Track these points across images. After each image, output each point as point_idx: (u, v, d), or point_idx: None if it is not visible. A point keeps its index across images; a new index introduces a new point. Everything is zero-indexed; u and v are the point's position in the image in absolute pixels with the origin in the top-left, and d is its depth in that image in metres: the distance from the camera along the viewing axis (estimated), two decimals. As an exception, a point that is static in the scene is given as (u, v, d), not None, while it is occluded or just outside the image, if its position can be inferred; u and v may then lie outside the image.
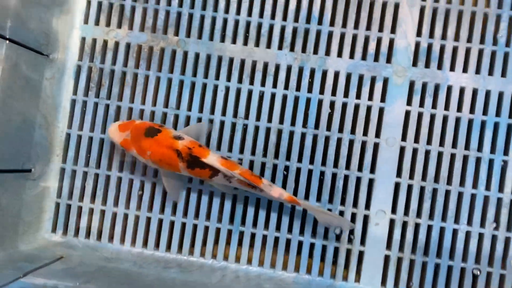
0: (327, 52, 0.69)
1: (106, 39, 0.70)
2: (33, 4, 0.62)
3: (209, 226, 0.68)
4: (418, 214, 0.66)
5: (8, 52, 0.57)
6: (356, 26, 0.68)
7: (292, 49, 0.69)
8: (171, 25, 0.70)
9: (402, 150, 0.67)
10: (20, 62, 0.60)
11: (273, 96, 0.69)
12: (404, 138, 0.67)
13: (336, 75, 0.68)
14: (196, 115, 0.69)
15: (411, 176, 0.67)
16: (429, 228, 0.66)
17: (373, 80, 0.68)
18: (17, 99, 0.61)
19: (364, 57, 0.68)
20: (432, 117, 0.67)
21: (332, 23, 0.69)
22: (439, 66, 0.67)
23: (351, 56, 0.68)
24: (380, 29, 0.68)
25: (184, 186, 0.68)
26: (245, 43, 0.70)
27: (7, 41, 0.57)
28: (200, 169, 0.61)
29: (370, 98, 0.68)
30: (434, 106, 0.67)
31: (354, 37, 0.68)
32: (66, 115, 0.70)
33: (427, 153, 0.67)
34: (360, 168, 0.67)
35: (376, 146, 0.67)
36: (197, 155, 0.61)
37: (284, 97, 0.69)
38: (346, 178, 0.67)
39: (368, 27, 0.68)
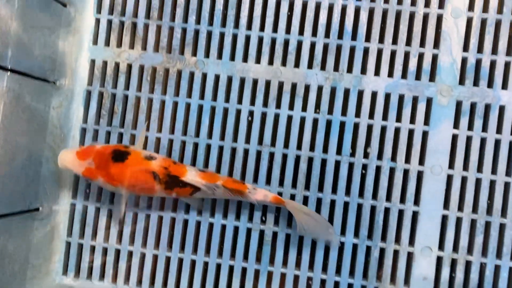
0: (363, 71, 0.62)
1: (118, 61, 0.64)
2: (36, 28, 0.55)
3: (233, 266, 0.62)
4: (469, 251, 0.59)
5: (10, 84, 0.51)
6: (394, 41, 0.61)
7: (323, 67, 0.62)
8: (188, 45, 0.63)
9: (449, 179, 0.60)
10: (23, 93, 0.54)
11: (302, 120, 0.62)
12: (451, 165, 0.60)
13: (374, 95, 0.61)
14: (217, 143, 0.63)
15: (460, 208, 0.60)
16: (482, 266, 0.59)
17: (415, 100, 0.61)
18: (22, 134, 0.55)
19: (404, 76, 0.61)
20: (483, 141, 0.60)
21: (367, 38, 0.62)
22: (490, 84, 0.60)
23: (390, 74, 0.61)
24: (422, 44, 0.61)
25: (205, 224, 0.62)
26: (271, 62, 0.63)
27: (9, 72, 0.51)
28: (180, 188, 0.57)
29: (412, 120, 0.61)
30: (484, 129, 0.60)
31: (393, 53, 0.61)
32: (75, 146, 0.64)
33: (478, 182, 0.59)
34: (402, 200, 0.60)
35: (420, 175, 0.60)
36: (176, 174, 0.56)
37: (315, 121, 0.62)
38: (386, 211, 0.60)
39: (408, 42, 0.61)
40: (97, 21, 0.64)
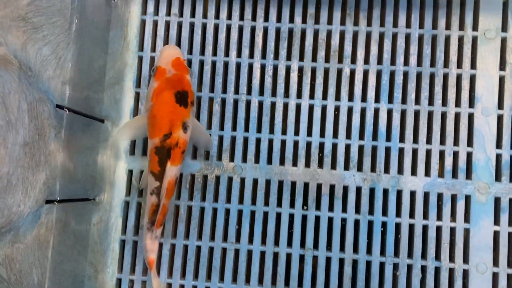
0: (400, 171, 0.63)
1: (155, 171, 0.64)
2: (79, 152, 0.56)
3: None
4: None
5: (58, 215, 0.51)
6: (428, 140, 0.63)
7: (360, 169, 0.63)
8: (225, 151, 0.64)
9: (495, 276, 0.60)
10: (69, 220, 0.54)
11: (343, 221, 0.62)
12: (495, 262, 0.60)
13: (412, 195, 0.62)
14: (259, 248, 0.62)
15: (509, 306, 0.59)
16: None
17: (453, 198, 0.62)
18: (67, 261, 0.54)
19: (441, 174, 0.62)
20: (525, 236, 0.60)
21: (401, 139, 0.63)
22: (526, 180, 0.61)
23: (427, 173, 0.62)
24: (456, 143, 0.62)
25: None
26: (307, 165, 0.64)
27: (57, 203, 0.51)
28: (159, 166, 0.57)
29: (453, 219, 0.61)
30: (525, 224, 0.61)
31: (428, 153, 0.63)
32: (115, 258, 0.63)
33: (524, 278, 0.60)
34: (450, 301, 0.60)
35: (465, 274, 0.60)
36: (171, 154, 0.56)
37: (356, 222, 0.62)
38: (435, 312, 0.60)
39: (442, 141, 0.63)
40: (134, 131, 0.65)
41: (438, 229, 0.61)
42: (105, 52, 0.61)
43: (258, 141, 0.65)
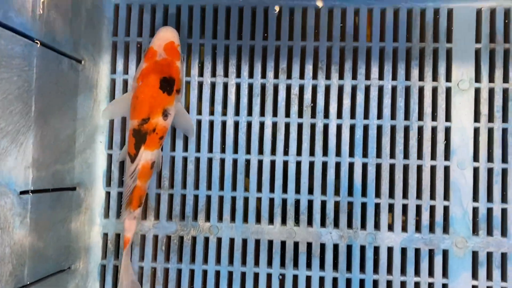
0: (376, 226, 0.62)
1: (131, 233, 0.64)
2: (48, 229, 0.55)
3: None
4: None
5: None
6: (405, 195, 0.62)
7: (336, 225, 0.63)
8: (200, 211, 0.64)
9: (474, 331, 0.60)
10: (42, 298, 0.53)
11: (321, 280, 0.62)
12: (475, 317, 0.60)
13: (390, 251, 0.62)
14: (238, 308, 0.62)
15: None
16: None
17: (431, 253, 0.61)
18: None
19: (418, 229, 0.62)
20: (503, 290, 0.60)
21: (377, 194, 0.63)
22: (503, 233, 0.61)
23: (404, 229, 0.62)
24: (432, 196, 0.62)
25: None
26: (284, 222, 0.63)
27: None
28: (135, 149, 0.57)
29: (431, 274, 0.61)
30: (503, 278, 0.60)
31: (405, 208, 0.62)
32: None
33: (504, 332, 0.59)
34: None
35: (444, 330, 0.60)
36: (147, 139, 0.57)
37: (335, 280, 0.62)
38: None
39: (419, 195, 0.62)
40: (107, 194, 0.64)
41: (417, 285, 0.61)
42: (73, 119, 0.60)
43: (233, 199, 0.64)
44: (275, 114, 0.64)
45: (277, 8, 0.64)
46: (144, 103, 0.57)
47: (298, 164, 0.63)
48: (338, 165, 0.63)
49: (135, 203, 0.59)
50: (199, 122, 0.65)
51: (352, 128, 0.63)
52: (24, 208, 0.49)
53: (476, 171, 0.62)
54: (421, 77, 0.63)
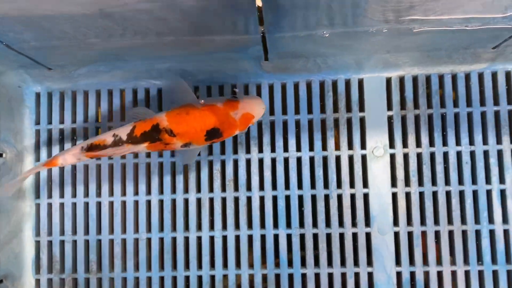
0: (304, 298, 0.63)
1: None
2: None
3: None
4: None
5: None
6: (329, 263, 0.63)
7: (265, 298, 0.63)
8: (129, 293, 0.64)
9: None
10: None
11: None
12: None
13: (318, 322, 0.62)
14: None
15: None
16: None
17: (358, 322, 0.62)
18: None
19: (344, 297, 0.62)
20: None
21: (303, 263, 0.63)
22: (428, 296, 0.61)
23: (330, 298, 0.62)
24: (356, 263, 0.63)
25: None
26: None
27: None
28: (139, 137, 0.55)
29: None
30: None
31: (330, 276, 0.63)
32: None
33: None
34: None
35: None
36: (152, 143, 0.55)
37: None
38: None
39: (343, 262, 0.63)
40: (37, 281, 0.64)
41: None
42: (-5, 212, 0.60)
43: (161, 279, 0.64)
44: (198, 190, 0.65)
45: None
46: (184, 121, 0.54)
47: (224, 238, 0.64)
48: (263, 238, 0.64)
49: (92, 154, 0.55)
50: (123, 203, 0.65)
51: (275, 199, 0.64)
52: None
53: (397, 235, 0.63)
54: (337, 147, 0.65)
